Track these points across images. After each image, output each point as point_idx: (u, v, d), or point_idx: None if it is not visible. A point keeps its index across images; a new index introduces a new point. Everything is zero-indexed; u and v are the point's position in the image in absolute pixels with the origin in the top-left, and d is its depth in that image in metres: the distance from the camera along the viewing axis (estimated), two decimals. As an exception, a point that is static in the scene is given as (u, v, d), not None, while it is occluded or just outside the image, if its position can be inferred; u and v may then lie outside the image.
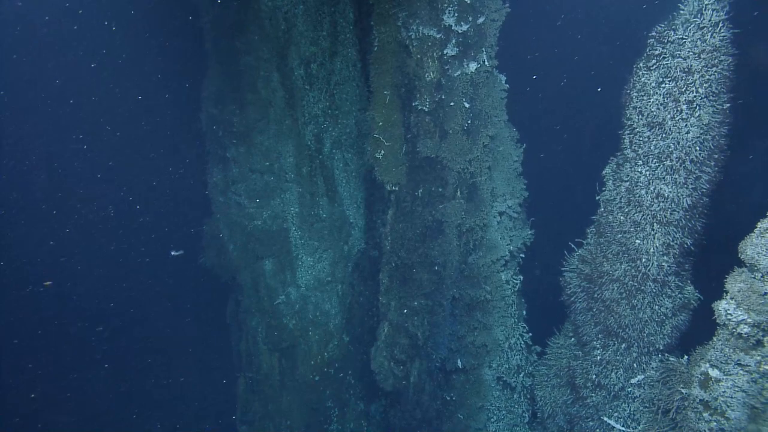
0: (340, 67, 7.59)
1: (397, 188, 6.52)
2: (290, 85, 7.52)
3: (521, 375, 7.22)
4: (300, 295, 8.37)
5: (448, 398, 7.47)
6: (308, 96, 7.60)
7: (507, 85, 6.25)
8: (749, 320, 3.65)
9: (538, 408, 6.54)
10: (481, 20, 5.42)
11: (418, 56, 5.69)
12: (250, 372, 8.82)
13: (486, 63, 5.60)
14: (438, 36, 5.51)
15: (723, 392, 4.01)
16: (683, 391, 4.26)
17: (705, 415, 4.18)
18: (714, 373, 4.05)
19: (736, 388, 3.92)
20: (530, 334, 7.09)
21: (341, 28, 7.45)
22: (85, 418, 8.73)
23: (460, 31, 5.45)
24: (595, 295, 5.18)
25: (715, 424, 4.13)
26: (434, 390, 7.44)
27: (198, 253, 8.45)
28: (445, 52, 5.54)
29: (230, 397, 9.01)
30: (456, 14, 5.39)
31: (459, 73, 5.60)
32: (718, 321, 3.96)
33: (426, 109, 5.86)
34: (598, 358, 5.31)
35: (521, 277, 7.05)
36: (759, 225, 3.64)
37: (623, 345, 5.05)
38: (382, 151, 6.31)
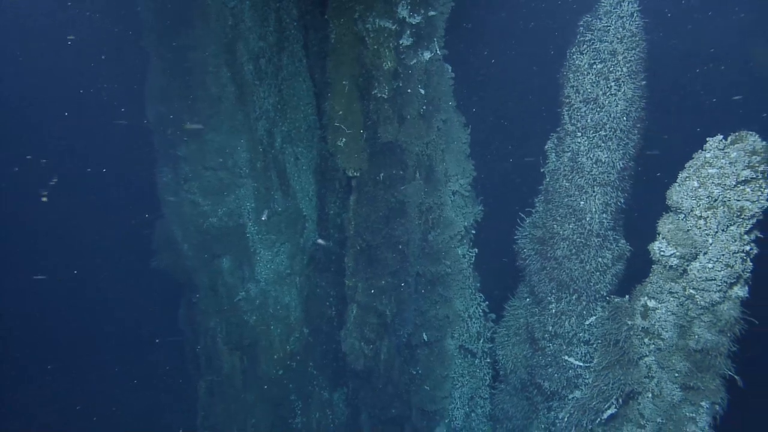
0: (287, 63, 7.77)
1: (358, 174, 6.85)
2: (241, 81, 7.56)
3: (481, 341, 7.87)
4: (260, 290, 8.37)
5: (414, 372, 7.92)
6: (258, 91, 7.69)
7: (453, 74, 6.86)
8: (677, 253, 4.46)
9: (500, 366, 7.19)
10: (432, 13, 5.93)
11: (375, 47, 6.07)
12: (209, 375, 8.64)
13: (438, 52, 6.13)
14: (393, 27, 5.94)
15: (659, 318, 4.83)
16: (629, 322, 5.04)
17: (645, 339, 4.99)
18: (651, 303, 4.85)
19: (669, 313, 4.74)
20: (487, 302, 7.77)
21: (286, 24, 7.64)
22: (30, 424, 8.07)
23: (413, 23, 5.92)
24: (548, 254, 5.88)
25: (653, 345, 4.95)
26: (402, 365, 7.86)
27: (149, 257, 8.18)
28: (400, 42, 5.98)
29: (191, 403, 8.78)
30: (408, 6, 5.86)
31: (414, 61, 6.07)
32: (653, 259, 4.76)
33: (385, 97, 6.26)
34: (553, 310, 6.03)
35: (476, 251, 7.70)
36: (680, 175, 4.46)
37: (575, 296, 5.79)
38: (344, 139, 6.61)
